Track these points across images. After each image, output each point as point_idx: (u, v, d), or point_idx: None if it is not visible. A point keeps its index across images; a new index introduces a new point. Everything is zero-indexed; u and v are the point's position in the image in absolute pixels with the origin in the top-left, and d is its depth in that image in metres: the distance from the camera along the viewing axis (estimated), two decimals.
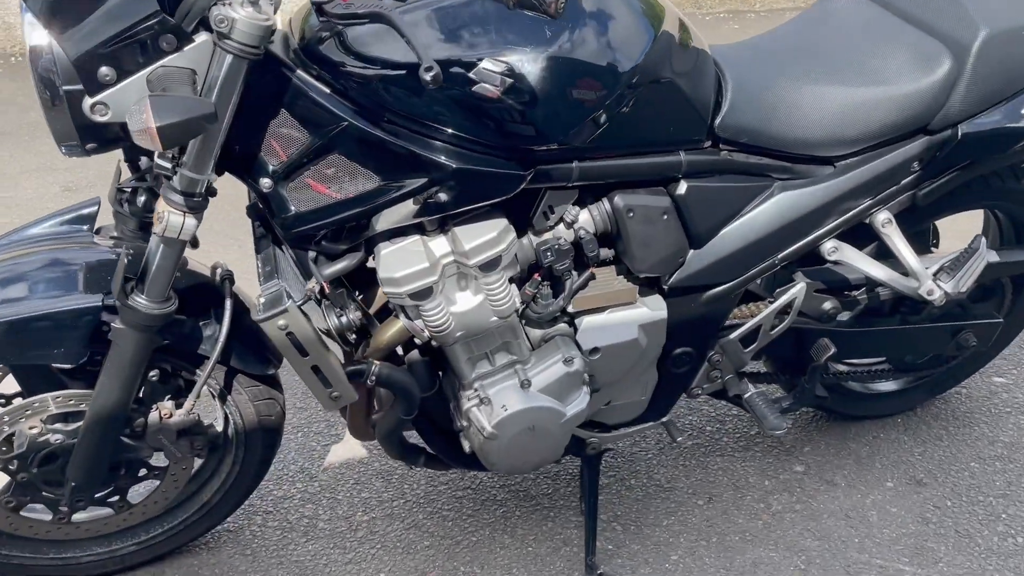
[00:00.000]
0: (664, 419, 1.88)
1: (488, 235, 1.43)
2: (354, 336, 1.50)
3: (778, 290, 1.81)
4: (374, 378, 1.51)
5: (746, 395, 1.88)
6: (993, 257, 1.78)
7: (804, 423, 2.36)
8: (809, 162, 1.68)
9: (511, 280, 1.58)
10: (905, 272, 1.79)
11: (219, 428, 1.83)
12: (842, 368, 2.17)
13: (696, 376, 1.87)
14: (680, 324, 1.76)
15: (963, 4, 1.66)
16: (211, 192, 1.37)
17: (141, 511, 1.81)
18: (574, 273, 1.57)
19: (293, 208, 1.39)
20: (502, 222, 1.45)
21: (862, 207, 1.73)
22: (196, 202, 1.34)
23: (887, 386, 2.30)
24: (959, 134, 1.66)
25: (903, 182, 1.73)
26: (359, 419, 1.69)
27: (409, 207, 1.38)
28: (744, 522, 2.07)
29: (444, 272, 1.45)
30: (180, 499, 1.88)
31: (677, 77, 1.47)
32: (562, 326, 1.66)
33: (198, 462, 1.82)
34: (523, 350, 1.61)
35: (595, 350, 1.66)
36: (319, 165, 1.37)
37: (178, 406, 1.63)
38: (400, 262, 1.42)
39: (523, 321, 1.63)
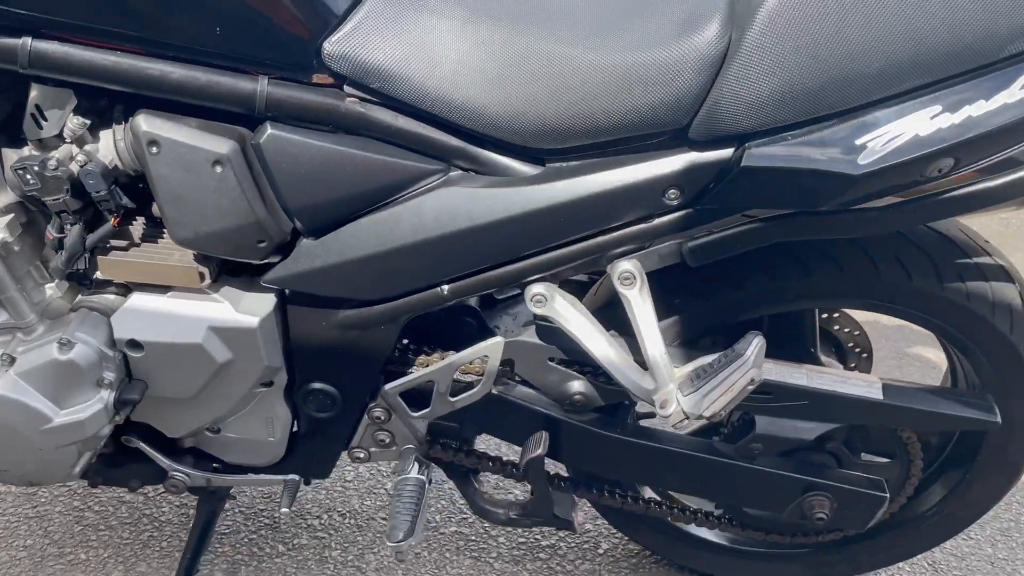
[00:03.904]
0: (292, 476, 1.33)
1: None
2: None
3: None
4: None
5: (401, 475, 1.28)
6: (757, 373, 1.06)
7: (622, 555, 1.69)
8: (501, 150, 1.07)
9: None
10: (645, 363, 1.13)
11: None
12: (650, 495, 1.50)
13: (356, 432, 1.31)
14: (305, 348, 1.21)
15: None
16: None
17: None
18: (80, 218, 1.08)
19: None
20: None
21: (589, 243, 1.10)
22: None
23: (722, 537, 1.58)
24: (743, 158, 0.99)
25: (656, 221, 1.07)
26: None
27: None
28: None
29: None
30: None
31: None
32: (106, 296, 1.17)
33: None
34: (21, 310, 1.13)
35: (136, 344, 1.15)
36: None
37: None
38: None
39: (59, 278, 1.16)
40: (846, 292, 1.23)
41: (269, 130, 1.03)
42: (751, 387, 1.03)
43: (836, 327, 1.44)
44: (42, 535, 1.59)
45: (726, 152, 1.00)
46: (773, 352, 1.34)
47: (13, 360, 1.12)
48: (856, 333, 1.45)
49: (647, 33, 0.98)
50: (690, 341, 1.31)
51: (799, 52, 0.93)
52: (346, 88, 1.04)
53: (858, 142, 0.95)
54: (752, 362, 1.02)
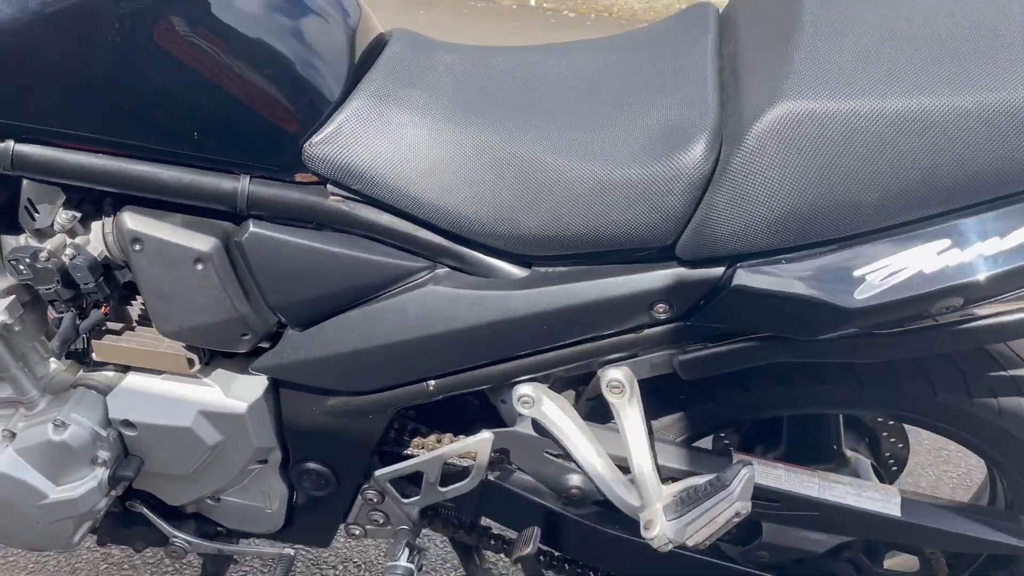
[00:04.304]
0: (288, 551, 1.33)
1: None
2: None
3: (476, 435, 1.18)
4: None
5: (391, 562, 1.26)
6: (743, 506, 0.98)
7: None
8: (487, 250, 1.04)
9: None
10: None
11: None
12: None
13: (352, 509, 1.30)
14: (297, 430, 1.20)
15: (793, 49, 0.90)
16: None
17: None
18: (80, 308, 1.09)
19: None
20: None
21: (577, 350, 1.05)
22: None
23: None
24: (733, 278, 0.93)
25: (646, 332, 1.02)
26: None
27: None
28: None
29: None
30: None
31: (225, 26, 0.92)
32: (106, 374, 1.18)
33: None
34: (22, 387, 1.16)
35: (129, 424, 1.17)
36: None
37: None
38: None
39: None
40: (862, 402, 1.15)
41: (251, 228, 1.02)
42: (737, 519, 0.97)
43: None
44: (69, 571, 1.65)
45: (716, 271, 0.94)
46: (791, 450, 1.28)
47: (14, 435, 1.15)
48: (891, 423, 1.35)
49: (630, 146, 0.92)
50: (697, 436, 1.26)
51: (792, 178, 0.86)
52: (329, 187, 1.02)
53: (856, 274, 0.87)
54: (738, 495, 0.96)
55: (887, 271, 0.86)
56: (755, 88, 0.89)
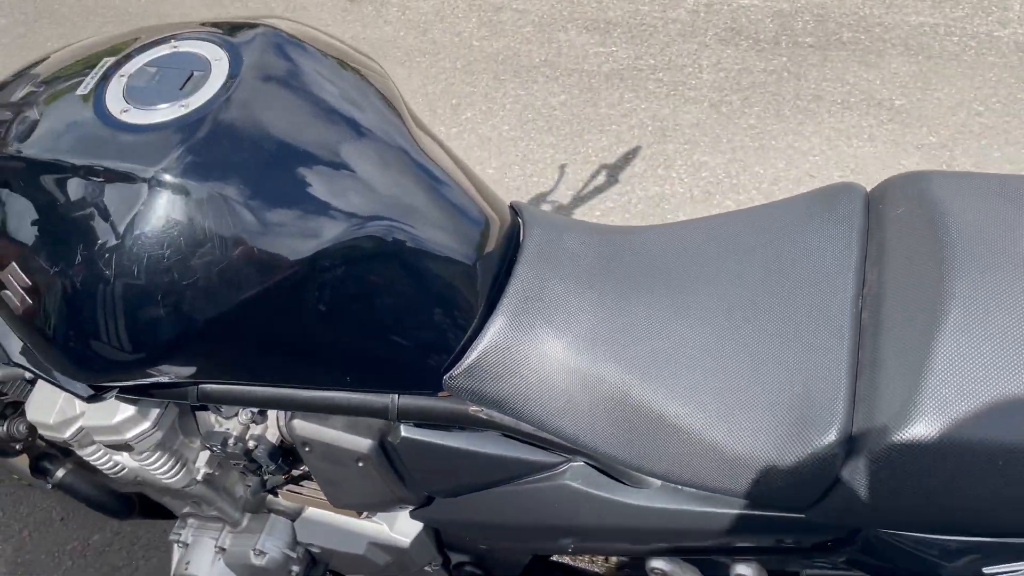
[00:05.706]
0: None
1: (108, 420, 1.17)
2: (19, 446, 1.37)
3: None
4: (52, 482, 1.40)
5: None
6: None
7: None
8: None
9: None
10: None
11: None
12: None
13: None
14: (455, 550, 1.36)
15: (935, 347, 0.85)
16: None
17: None
18: (264, 472, 1.26)
19: None
20: (128, 409, 1.16)
21: (707, 549, 1.10)
22: None
23: None
24: (861, 540, 0.94)
25: (768, 546, 1.05)
26: None
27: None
28: None
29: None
30: None
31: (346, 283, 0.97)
32: (292, 502, 1.36)
33: None
34: (228, 513, 1.36)
35: (313, 545, 1.35)
36: None
37: None
38: (40, 405, 1.24)
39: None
40: None
41: (403, 433, 1.12)
42: None
43: None
44: None
45: (844, 529, 0.95)
46: None
47: (224, 551, 1.37)
48: None
49: (759, 423, 0.93)
50: None
51: (916, 491, 0.84)
52: (469, 401, 1.09)
53: (985, 571, 0.87)
54: None
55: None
56: (890, 385, 0.86)
